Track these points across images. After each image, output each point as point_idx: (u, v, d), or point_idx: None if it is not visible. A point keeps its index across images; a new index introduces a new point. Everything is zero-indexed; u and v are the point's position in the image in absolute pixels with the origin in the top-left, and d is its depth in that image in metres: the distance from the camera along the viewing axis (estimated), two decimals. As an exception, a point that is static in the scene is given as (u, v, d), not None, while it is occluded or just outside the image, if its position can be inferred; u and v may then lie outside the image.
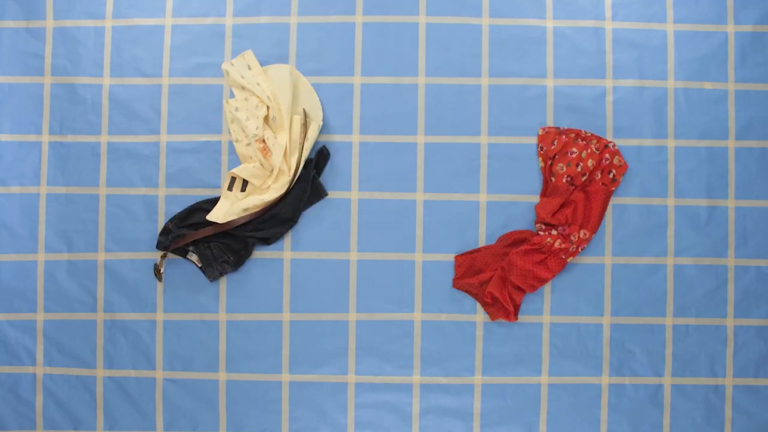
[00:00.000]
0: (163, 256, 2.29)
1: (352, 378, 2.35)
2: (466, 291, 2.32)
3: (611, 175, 2.31)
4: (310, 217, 2.37)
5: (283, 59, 2.39)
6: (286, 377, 2.35)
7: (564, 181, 2.29)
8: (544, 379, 2.34)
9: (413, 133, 2.38)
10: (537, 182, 2.37)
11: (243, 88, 2.31)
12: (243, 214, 2.24)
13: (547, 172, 2.31)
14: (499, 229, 2.36)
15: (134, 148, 2.39)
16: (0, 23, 2.41)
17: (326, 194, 2.32)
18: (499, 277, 2.28)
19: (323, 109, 2.38)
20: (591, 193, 2.31)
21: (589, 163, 2.28)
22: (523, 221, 2.36)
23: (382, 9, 2.40)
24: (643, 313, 2.34)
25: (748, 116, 2.38)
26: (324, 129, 2.38)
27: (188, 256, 2.30)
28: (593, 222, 2.29)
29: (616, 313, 2.34)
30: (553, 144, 2.30)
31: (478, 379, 2.34)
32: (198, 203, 2.32)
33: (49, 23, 2.42)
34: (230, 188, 2.28)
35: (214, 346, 2.36)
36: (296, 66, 2.40)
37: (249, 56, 2.34)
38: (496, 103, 2.38)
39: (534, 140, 2.37)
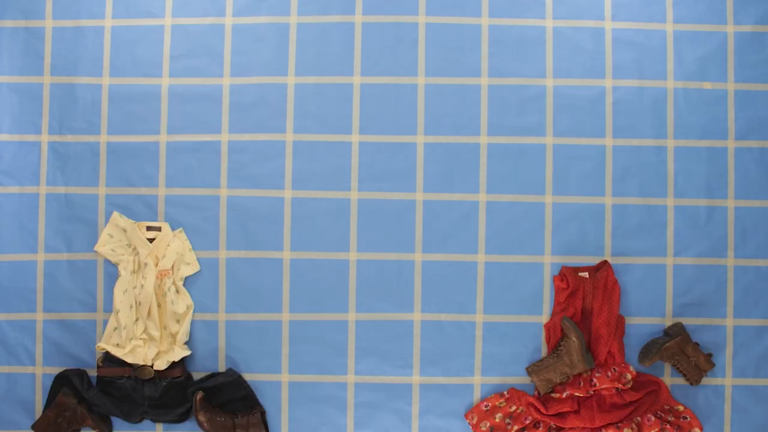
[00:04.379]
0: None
1: (352, 378, 2.35)
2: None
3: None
4: (310, 217, 2.37)
5: (283, 59, 2.39)
6: (286, 377, 2.35)
7: None
8: (544, 379, 2.34)
9: (413, 133, 2.38)
10: (537, 182, 2.37)
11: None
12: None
13: None
14: (500, 229, 2.35)
15: (134, 148, 2.39)
16: (0, 23, 2.41)
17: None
18: None
19: (324, 109, 2.39)
20: None
21: None
22: (522, 221, 2.35)
23: (382, 9, 2.40)
24: (643, 313, 2.34)
25: (747, 116, 2.38)
26: (324, 129, 2.38)
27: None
28: None
29: (616, 313, 2.35)
30: None
31: (477, 379, 2.34)
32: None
33: (49, 23, 2.41)
34: None
35: (214, 346, 2.35)
36: (296, 66, 2.40)
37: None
38: (496, 103, 2.38)
39: (534, 140, 2.37)
